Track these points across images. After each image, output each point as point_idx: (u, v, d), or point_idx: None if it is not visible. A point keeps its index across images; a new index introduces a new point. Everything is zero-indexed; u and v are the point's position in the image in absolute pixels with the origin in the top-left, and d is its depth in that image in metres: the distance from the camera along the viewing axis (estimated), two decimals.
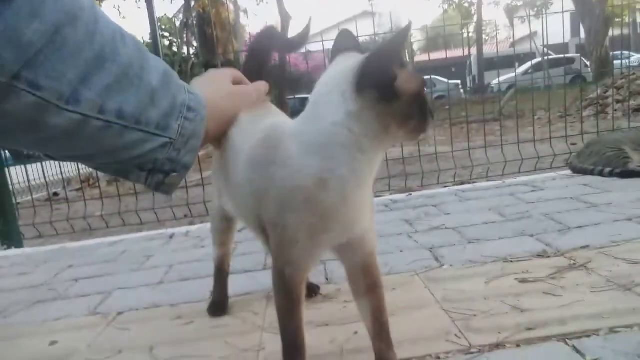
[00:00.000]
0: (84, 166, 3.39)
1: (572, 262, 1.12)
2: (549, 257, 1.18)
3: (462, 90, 10.20)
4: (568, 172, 2.31)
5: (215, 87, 0.78)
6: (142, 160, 0.62)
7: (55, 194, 4.20)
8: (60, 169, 3.00)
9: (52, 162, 3.58)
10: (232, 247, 1.10)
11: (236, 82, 0.83)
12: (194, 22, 17.56)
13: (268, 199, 0.64)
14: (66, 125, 0.52)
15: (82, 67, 0.51)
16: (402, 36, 0.59)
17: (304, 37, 0.92)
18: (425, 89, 0.62)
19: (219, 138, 0.81)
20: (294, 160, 0.61)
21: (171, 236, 1.97)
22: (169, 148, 0.63)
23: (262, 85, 0.85)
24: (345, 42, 0.68)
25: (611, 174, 2.04)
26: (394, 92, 0.58)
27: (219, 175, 0.93)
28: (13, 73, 0.46)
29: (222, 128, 0.78)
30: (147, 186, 0.66)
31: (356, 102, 0.58)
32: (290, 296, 0.67)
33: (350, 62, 0.61)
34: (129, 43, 0.57)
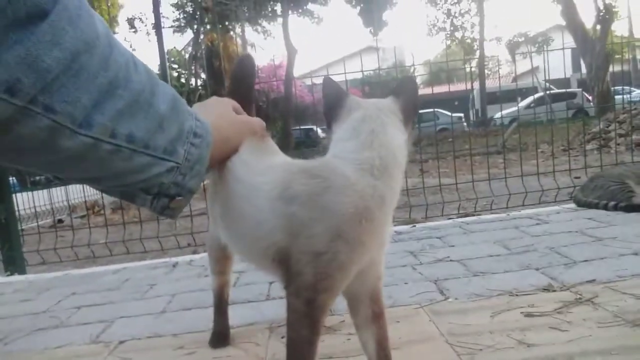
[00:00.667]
0: (89, 193, 3.42)
1: (578, 296, 1.11)
2: (554, 291, 1.17)
3: (465, 123, 10.30)
4: (572, 205, 2.31)
5: (219, 112, 0.79)
6: (149, 183, 0.63)
7: (60, 220, 4.22)
8: (67, 195, 3.01)
9: (58, 189, 3.62)
10: (231, 276, 1.08)
11: (235, 112, 0.84)
12: (203, 55, 17.98)
13: (315, 229, 0.65)
14: (77, 148, 0.53)
15: (95, 92, 0.52)
16: (415, 80, 0.77)
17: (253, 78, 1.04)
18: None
19: (220, 163, 0.81)
20: (356, 185, 0.65)
21: (174, 265, 1.97)
22: (175, 172, 0.64)
23: (261, 121, 0.88)
24: (334, 88, 0.77)
25: (616, 208, 2.04)
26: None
27: (214, 204, 0.92)
28: (30, 97, 0.47)
29: (224, 154, 0.79)
30: (152, 210, 0.67)
31: (406, 131, 0.74)
32: (315, 326, 0.66)
33: (382, 103, 0.74)
34: (140, 70, 0.59)
